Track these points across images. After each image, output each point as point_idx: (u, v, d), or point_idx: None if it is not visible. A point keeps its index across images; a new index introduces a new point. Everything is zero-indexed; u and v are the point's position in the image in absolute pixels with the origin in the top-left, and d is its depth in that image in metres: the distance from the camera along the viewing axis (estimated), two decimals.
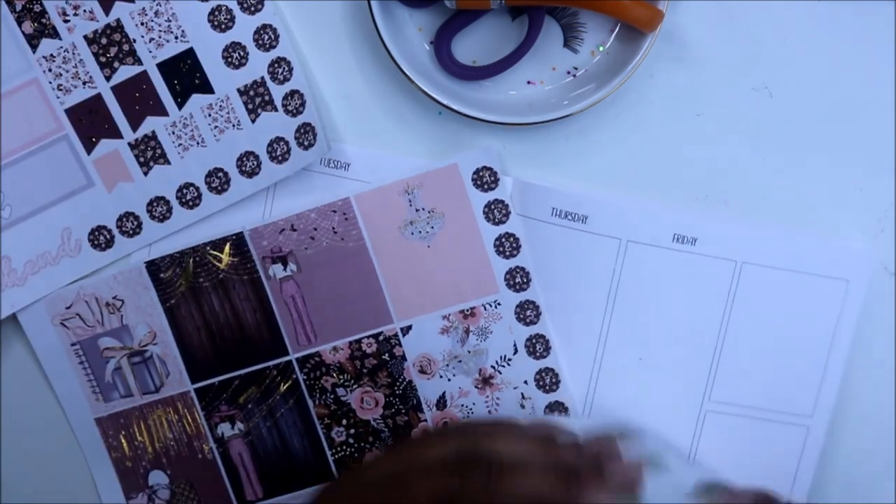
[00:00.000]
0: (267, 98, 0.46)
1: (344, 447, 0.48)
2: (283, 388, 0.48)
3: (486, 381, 0.48)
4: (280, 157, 0.47)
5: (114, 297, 0.47)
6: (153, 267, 0.47)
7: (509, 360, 0.48)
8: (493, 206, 0.47)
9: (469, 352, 0.48)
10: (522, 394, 0.48)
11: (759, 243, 0.48)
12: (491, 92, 0.47)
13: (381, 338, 0.48)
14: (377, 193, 0.47)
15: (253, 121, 0.46)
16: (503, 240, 0.47)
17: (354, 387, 0.48)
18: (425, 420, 0.48)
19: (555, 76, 0.47)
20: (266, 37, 0.46)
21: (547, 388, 0.48)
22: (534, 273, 0.47)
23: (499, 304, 0.48)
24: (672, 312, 0.48)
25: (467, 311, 0.48)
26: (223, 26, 0.45)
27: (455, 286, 0.47)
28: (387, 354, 0.48)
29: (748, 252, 0.48)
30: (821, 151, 0.48)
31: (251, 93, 0.46)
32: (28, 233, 0.47)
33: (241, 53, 0.46)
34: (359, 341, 0.48)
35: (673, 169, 0.48)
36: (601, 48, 0.47)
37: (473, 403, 0.48)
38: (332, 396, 0.48)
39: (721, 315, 0.48)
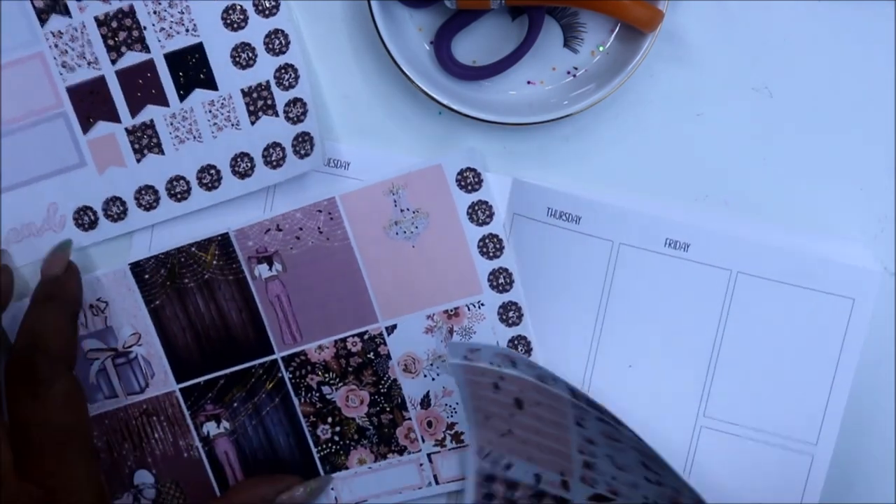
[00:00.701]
0: (269, 102, 0.46)
1: (329, 445, 0.49)
2: (268, 386, 0.48)
3: None
4: (274, 163, 0.46)
5: (98, 299, 0.47)
6: (138, 268, 0.47)
7: None
8: (476, 207, 0.47)
9: None
10: None
11: (755, 252, 0.46)
12: (491, 92, 0.47)
13: (366, 337, 0.48)
14: (362, 193, 0.47)
15: (252, 123, 0.46)
16: (487, 240, 0.47)
17: (340, 385, 0.48)
18: (410, 419, 0.48)
19: (555, 76, 0.47)
20: (277, 41, 0.45)
21: None
22: (518, 274, 0.47)
23: (482, 304, 0.47)
24: (664, 320, 0.47)
25: (451, 311, 0.47)
26: (235, 25, 0.45)
27: (439, 286, 0.47)
28: (372, 353, 0.48)
29: (743, 261, 0.46)
30: (821, 151, 0.47)
31: (254, 95, 0.46)
32: (15, 202, 0.47)
33: (250, 55, 0.45)
34: (344, 340, 0.48)
35: (673, 169, 0.48)
36: (601, 48, 0.46)
37: (457, 403, 0.48)
38: (317, 395, 0.48)
39: (715, 326, 0.47)
